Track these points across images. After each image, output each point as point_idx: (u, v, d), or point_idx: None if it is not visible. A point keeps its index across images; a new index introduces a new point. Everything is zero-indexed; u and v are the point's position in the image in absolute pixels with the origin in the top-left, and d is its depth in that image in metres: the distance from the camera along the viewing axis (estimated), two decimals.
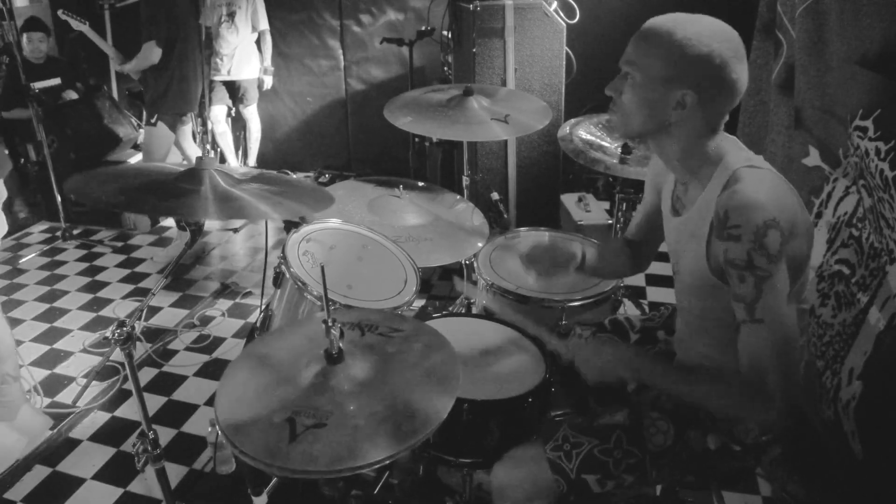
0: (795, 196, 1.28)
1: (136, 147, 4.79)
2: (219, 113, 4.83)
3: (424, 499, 1.95)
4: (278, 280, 1.91)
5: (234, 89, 4.84)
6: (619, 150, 2.52)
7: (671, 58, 1.24)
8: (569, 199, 3.52)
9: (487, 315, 2.00)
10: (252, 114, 5.05)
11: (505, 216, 2.38)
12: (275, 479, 1.93)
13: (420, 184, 2.57)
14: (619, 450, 1.42)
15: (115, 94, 5.31)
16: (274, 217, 1.41)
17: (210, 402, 2.71)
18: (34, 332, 3.26)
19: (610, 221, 3.18)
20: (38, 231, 4.50)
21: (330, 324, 1.26)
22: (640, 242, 1.76)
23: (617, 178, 2.78)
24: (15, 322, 3.33)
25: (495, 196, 2.50)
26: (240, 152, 5.29)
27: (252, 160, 5.25)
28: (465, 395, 1.47)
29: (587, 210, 3.39)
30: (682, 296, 1.50)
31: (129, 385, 1.48)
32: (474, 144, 3.49)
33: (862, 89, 1.88)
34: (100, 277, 3.84)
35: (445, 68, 4.29)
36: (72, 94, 4.72)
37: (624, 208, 2.76)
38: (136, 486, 2.28)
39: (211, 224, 4.51)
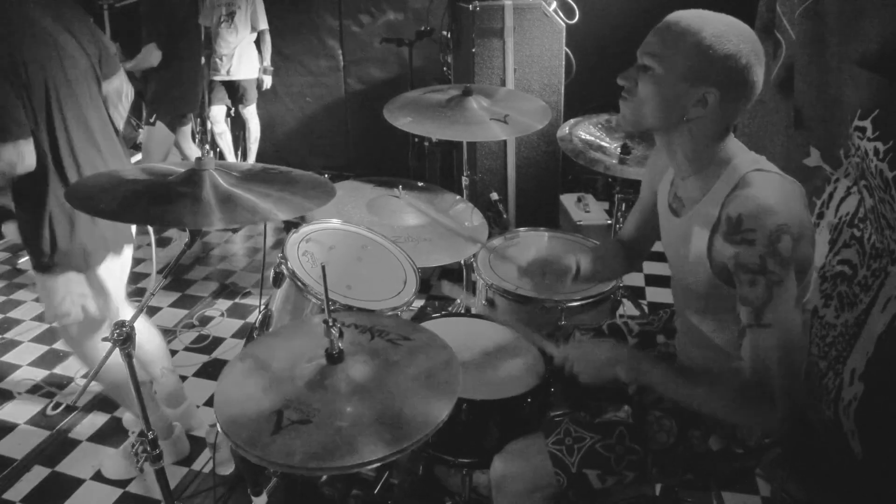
0: (802, 198, 1.28)
1: (136, 147, 4.78)
2: (218, 113, 4.83)
3: (424, 499, 1.95)
4: (278, 280, 1.91)
5: (233, 89, 4.83)
6: (619, 150, 2.52)
7: (699, 55, 1.23)
8: (568, 200, 3.52)
9: (486, 315, 2.01)
10: (251, 114, 5.05)
11: (504, 216, 2.38)
12: (274, 480, 1.93)
13: (419, 184, 2.57)
14: (621, 446, 1.42)
15: None
16: (279, 218, 1.40)
17: (209, 402, 2.71)
18: (33, 332, 3.26)
19: (609, 222, 3.18)
20: None
21: (330, 323, 1.26)
22: (635, 241, 1.75)
23: (616, 179, 2.78)
24: (14, 322, 3.33)
25: (495, 196, 2.50)
26: (239, 152, 5.29)
27: (251, 160, 5.25)
28: (465, 395, 1.47)
29: (586, 210, 3.39)
30: (681, 296, 1.50)
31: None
32: (473, 145, 3.49)
33: (860, 90, 1.89)
34: None
35: (445, 68, 4.29)
36: None
37: (623, 209, 2.76)
38: (135, 487, 2.28)
39: None
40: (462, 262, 2.38)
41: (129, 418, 2.58)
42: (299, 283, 1.77)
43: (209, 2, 4.56)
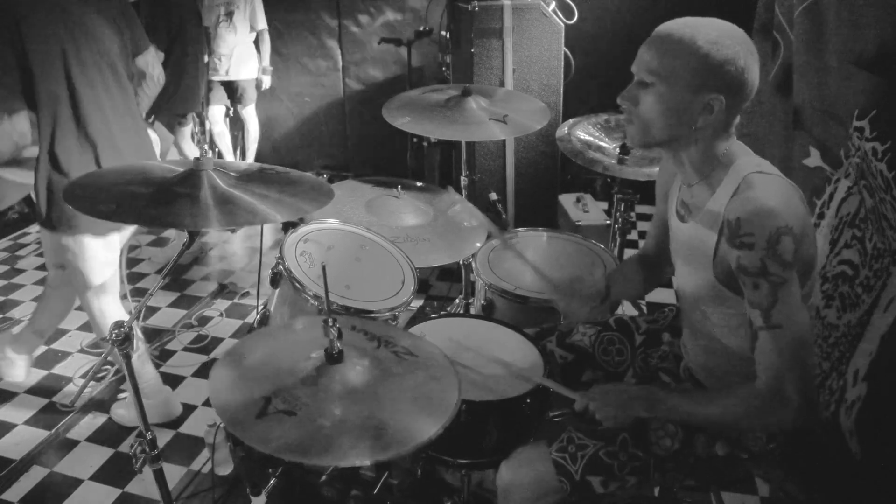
0: (803, 200, 1.28)
1: None
2: (217, 113, 4.83)
3: (423, 499, 1.95)
4: (276, 280, 1.91)
5: (232, 89, 4.83)
6: (618, 150, 2.52)
7: (699, 63, 1.23)
8: (567, 200, 3.52)
9: (486, 315, 2.00)
10: (250, 114, 5.05)
11: (503, 216, 2.38)
12: (273, 480, 1.92)
13: (418, 184, 2.57)
14: (624, 452, 1.42)
15: None
16: (277, 220, 1.39)
17: (208, 402, 2.70)
18: None
19: (608, 222, 3.17)
20: (35, 231, 4.49)
21: (330, 323, 1.26)
22: (658, 254, 1.73)
23: (615, 179, 2.77)
24: (13, 322, 3.33)
25: (493, 196, 2.50)
26: (238, 152, 5.29)
27: (250, 160, 5.25)
28: (464, 396, 1.47)
29: (585, 210, 3.38)
30: (685, 301, 1.50)
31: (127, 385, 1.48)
32: (472, 145, 3.49)
33: (859, 90, 1.89)
34: None
35: (444, 69, 4.29)
36: None
37: (622, 209, 2.75)
38: (133, 487, 2.28)
39: None
40: (461, 262, 2.38)
41: (119, 413, 2.61)
42: (297, 284, 1.77)
43: (208, 2, 4.56)
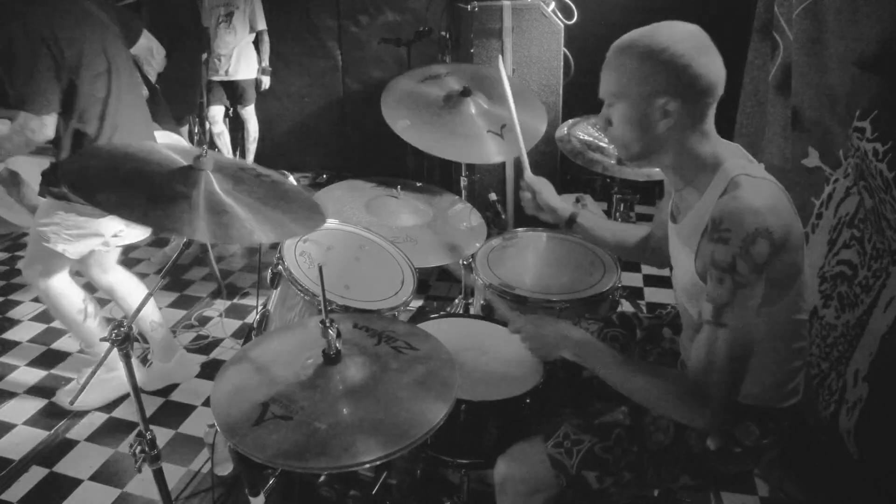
0: (792, 207, 1.28)
1: None
2: (216, 113, 4.82)
3: (422, 499, 1.95)
4: (275, 280, 1.91)
5: (231, 90, 4.83)
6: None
7: (640, 72, 1.26)
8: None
9: (485, 316, 2.00)
10: (250, 114, 5.05)
11: (503, 217, 2.37)
12: (272, 480, 1.92)
13: (418, 184, 2.57)
14: (619, 447, 1.43)
15: None
16: (263, 240, 1.38)
17: (208, 402, 2.70)
18: (32, 332, 3.25)
19: None
20: None
21: (328, 324, 1.26)
22: (654, 238, 1.76)
23: (615, 179, 2.78)
24: (12, 323, 3.33)
25: (493, 196, 2.50)
26: (237, 153, 5.29)
27: (250, 161, 5.25)
28: (463, 396, 1.47)
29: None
30: (680, 299, 1.51)
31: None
32: None
33: (859, 90, 1.89)
34: None
35: None
36: None
37: (622, 209, 2.76)
38: (133, 487, 2.28)
39: None
40: (461, 262, 2.38)
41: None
42: (298, 287, 1.77)
43: (207, 2, 4.56)
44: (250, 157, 5.22)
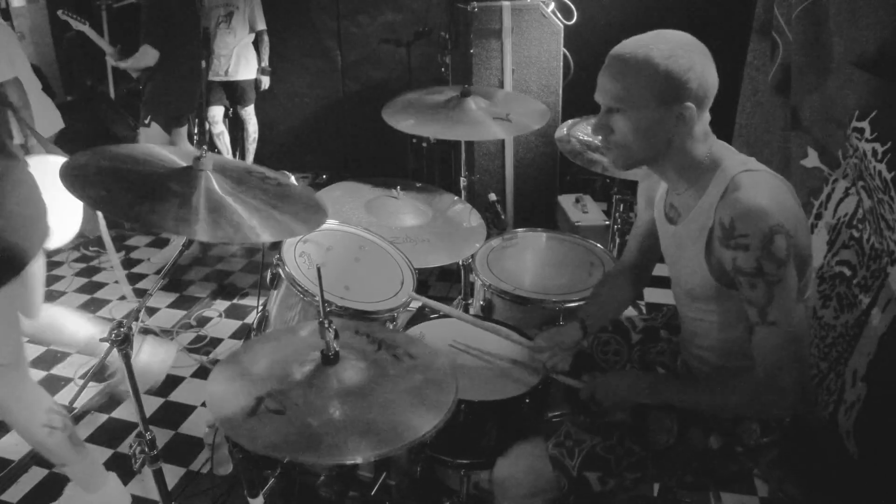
0: (792, 193, 1.30)
1: None
2: (216, 113, 4.82)
3: (422, 500, 1.95)
4: (274, 281, 1.91)
5: (231, 90, 4.83)
6: None
7: (660, 79, 1.26)
8: (566, 200, 3.52)
9: (485, 316, 2.01)
10: (249, 114, 5.05)
11: (502, 217, 2.38)
12: (272, 481, 1.92)
13: (417, 184, 2.57)
14: (621, 447, 1.42)
15: (112, 94, 5.30)
16: (263, 240, 1.38)
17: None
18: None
19: (607, 223, 3.17)
20: None
21: (326, 325, 1.26)
22: (638, 263, 1.74)
23: (614, 180, 2.78)
24: None
25: (493, 197, 2.50)
26: (237, 153, 5.29)
27: (250, 161, 5.24)
28: (463, 396, 1.47)
29: (584, 211, 3.39)
30: (682, 301, 1.51)
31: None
32: (472, 146, 3.49)
33: (859, 91, 1.89)
34: (97, 278, 3.83)
35: (443, 69, 4.29)
36: None
37: (621, 209, 2.76)
38: (133, 488, 2.28)
39: None
40: (460, 262, 2.38)
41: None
42: (297, 288, 1.77)
43: (207, 3, 4.56)
44: (250, 157, 5.22)
